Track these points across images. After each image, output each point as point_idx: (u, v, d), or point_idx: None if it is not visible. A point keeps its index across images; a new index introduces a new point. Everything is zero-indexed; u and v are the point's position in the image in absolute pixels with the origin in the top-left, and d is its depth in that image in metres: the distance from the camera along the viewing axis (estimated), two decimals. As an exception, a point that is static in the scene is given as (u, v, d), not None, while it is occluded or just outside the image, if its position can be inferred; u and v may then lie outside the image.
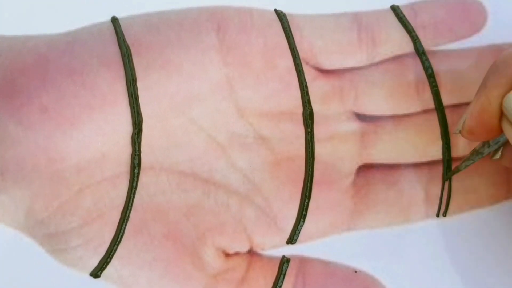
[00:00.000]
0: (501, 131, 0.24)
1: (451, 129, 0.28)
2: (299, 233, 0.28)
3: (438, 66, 0.29)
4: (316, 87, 0.29)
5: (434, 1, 0.30)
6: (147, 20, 0.28)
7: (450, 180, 0.28)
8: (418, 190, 0.28)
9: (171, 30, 0.28)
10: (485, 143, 0.26)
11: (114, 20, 0.28)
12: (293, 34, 0.29)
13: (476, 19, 0.29)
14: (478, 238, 0.28)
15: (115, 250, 0.26)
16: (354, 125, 0.29)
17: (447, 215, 0.28)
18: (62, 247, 0.26)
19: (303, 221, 0.28)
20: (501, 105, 0.23)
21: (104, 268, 0.26)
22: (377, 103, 0.29)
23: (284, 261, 0.27)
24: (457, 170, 0.27)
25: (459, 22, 0.29)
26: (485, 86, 0.24)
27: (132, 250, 0.26)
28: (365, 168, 0.29)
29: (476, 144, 0.27)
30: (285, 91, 0.28)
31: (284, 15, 0.29)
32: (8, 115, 0.26)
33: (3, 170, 0.25)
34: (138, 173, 0.27)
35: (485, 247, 0.28)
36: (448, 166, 0.28)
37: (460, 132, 0.25)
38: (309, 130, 0.28)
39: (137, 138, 0.27)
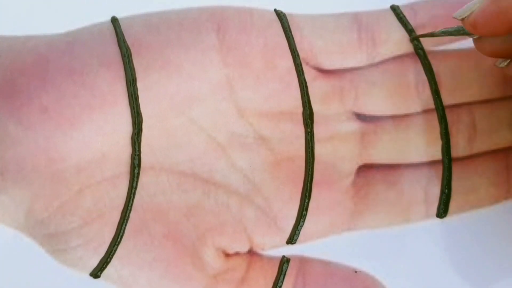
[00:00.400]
0: (505, 33, 0.23)
1: (452, 128, 0.28)
2: (299, 233, 0.28)
3: (438, 66, 0.29)
4: (316, 87, 0.29)
5: (434, 1, 0.30)
6: (147, 20, 0.28)
7: (449, 181, 0.28)
8: (418, 190, 0.28)
9: (171, 30, 0.28)
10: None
11: (114, 20, 0.28)
12: (293, 34, 0.29)
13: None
14: (478, 238, 0.28)
15: (115, 250, 0.26)
16: (354, 125, 0.29)
17: (447, 215, 0.28)
18: (62, 247, 0.26)
19: (303, 221, 0.28)
20: None
21: (104, 268, 0.26)
22: (377, 103, 0.29)
23: (284, 261, 0.27)
24: (431, 34, 0.27)
25: (459, 22, 0.29)
26: None
27: (132, 250, 0.26)
28: (365, 168, 0.29)
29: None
30: (285, 91, 0.28)
31: (284, 15, 0.29)
32: (8, 115, 0.26)
33: (3, 170, 0.25)
34: (138, 173, 0.27)
35: (485, 247, 0.28)
36: (449, 166, 0.28)
37: (462, 19, 0.24)
38: (309, 130, 0.28)
39: (137, 138, 0.27)
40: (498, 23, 0.23)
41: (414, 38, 0.28)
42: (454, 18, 0.25)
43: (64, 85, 0.26)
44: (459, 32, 0.26)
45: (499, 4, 0.23)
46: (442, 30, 0.27)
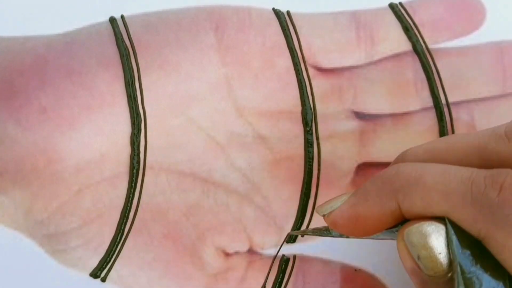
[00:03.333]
0: (363, 235, 0.22)
1: (449, 127, 0.28)
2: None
3: (437, 64, 0.29)
4: (315, 86, 0.28)
5: (433, -1, 0.30)
6: (146, 20, 0.28)
7: None
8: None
9: (169, 30, 0.28)
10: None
11: (112, 21, 0.28)
12: (291, 33, 0.29)
13: (474, 16, 0.29)
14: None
15: (114, 250, 0.26)
16: (353, 124, 0.29)
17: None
18: (62, 247, 0.26)
19: (303, 220, 0.28)
20: (383, 222, 0.21)
21: (104, 268, 0.26)
22: (376, 101, 0.29)
23: (284, 260, 0.27)
24: (303, 232, 0.27)
25: (458, 20, 0.29)
26: (366, 199, 0.22)
27: (132, 250, 0.26)
28: (364, 167, 0.29)
29: None
30: (284, 90, 0.28)
31: (283, 14, 0.29)
32: (7, 116, 0.26)
33: (2, 171, 0.25)
34: (137, 173, 0.27)
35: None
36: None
37: (323, 215, 0.23)
38: (308, 129, 0.28)
39: (136, 138, 0.27)
40: (355, 227, 0.22)
41: (289, 233, 0.27)
42: (316, 212, 0.24)
43: (63, 85, 0.26)
44: (331, 235, 0.25)
45: (357, 210, 0.22)
46: (313, 229, 0.26)
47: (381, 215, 0.21)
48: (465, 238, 0.20)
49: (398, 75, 0.29)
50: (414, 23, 0.29)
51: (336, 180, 0.28)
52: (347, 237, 0.23)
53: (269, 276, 0.27)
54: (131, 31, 0.28)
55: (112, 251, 0.26)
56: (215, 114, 0.28)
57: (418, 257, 0.20)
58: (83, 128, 0.26)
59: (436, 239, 0.20)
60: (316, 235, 0.25)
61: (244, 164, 0.28)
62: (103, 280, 0.26)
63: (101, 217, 0.26)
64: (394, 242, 0.28)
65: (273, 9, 0.29)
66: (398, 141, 0.28)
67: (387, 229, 0.22)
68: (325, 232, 0.25)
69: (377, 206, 0.21)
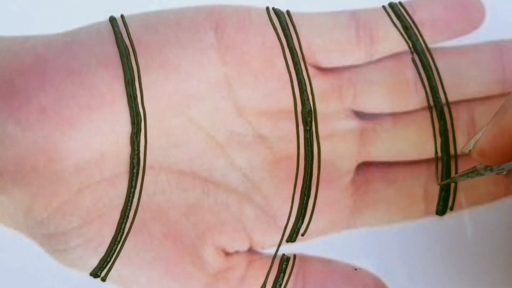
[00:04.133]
0: None
1: (450, 127, 0.28)
2: (298, 232, 0.28)
3: (436, 63, 0.29)
4: (315, 85, 0.29)
5: (433, -2, 0.30)
6: (145, 20, 0.28)
7: (448, 178, 0.28)
8: (417, 188, 0.28)
9: (169, 29, 0.28)
10: (488, 167, 0.24)
11: (112, 20, 0.28)
12: (291, 32, 0.29)
13: (474, 16, 0.29)
14: (477, 235, 0.28)
15: (115, 250, 0.26)
16: (353, 123, 0.29)
17: (446, 212, 0.28)
18: (62, 247, 0.26)
19: (303, 220, 0.28)
20: None
21: (104, 268, 0.26)
22: (376, 101, 0.29)
23: (284, 260, 0.27)
24: (452, 180, 0.27)
25: (457, 19, 0.29)
26: (505, 111, 0.22)
27: (132, 250, 0.26)
28: (364, 166, 0.29)
29: None
30: (283, 90, 0.28)
31: (282, 13, 0.29)
32: (6, 115, 0.26)
33: (2, 171, 0.25)
34: (137, 172, 0.27)
35: (484, 244, 0.28)
36: (447, 163, 0.28)
37: (469, 151, 0.24)
38: (308, 128, 0.28)
39: (136, 137, 0.27)
40: (503, 144, 0.22)
41: (441, 185, 0.28)
42: (463, 152, 0.24)
43: (63, 85, 0.26)
44: (477, 175, 0.25)
45: (500, 124, 0.22)
46: (460, 174, 0.26)
47: None
48: None
49: (398, 74, 0.29)
50: (413, 22, 0.29)
51: (336, 179, 0.28)
52: (492, 170, 0.23)
53: (269, 275, 0.27)
54: (131, 31, 0.28)
55: (112, 251, 0.26)
56: (215, 113, 0.28)
57: None
58: (83, 127, 0.26)
59: None
60: (465, 179, 0.25)
61: (244, 163, 0.28)
62: (103, 279, 0.26)
63: (101, 217, 0.26)
64: (393, 241, 0.28)
65: (273, 8, 0.29)
66: (398, 140, 0.28)
67: None
68: (472, 173, 0.25)
69: None
